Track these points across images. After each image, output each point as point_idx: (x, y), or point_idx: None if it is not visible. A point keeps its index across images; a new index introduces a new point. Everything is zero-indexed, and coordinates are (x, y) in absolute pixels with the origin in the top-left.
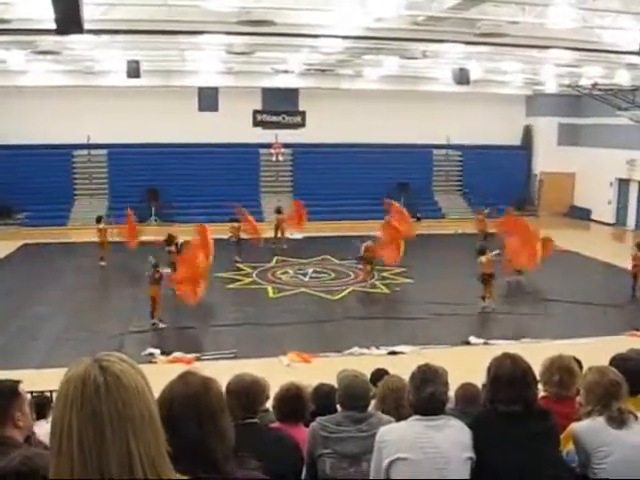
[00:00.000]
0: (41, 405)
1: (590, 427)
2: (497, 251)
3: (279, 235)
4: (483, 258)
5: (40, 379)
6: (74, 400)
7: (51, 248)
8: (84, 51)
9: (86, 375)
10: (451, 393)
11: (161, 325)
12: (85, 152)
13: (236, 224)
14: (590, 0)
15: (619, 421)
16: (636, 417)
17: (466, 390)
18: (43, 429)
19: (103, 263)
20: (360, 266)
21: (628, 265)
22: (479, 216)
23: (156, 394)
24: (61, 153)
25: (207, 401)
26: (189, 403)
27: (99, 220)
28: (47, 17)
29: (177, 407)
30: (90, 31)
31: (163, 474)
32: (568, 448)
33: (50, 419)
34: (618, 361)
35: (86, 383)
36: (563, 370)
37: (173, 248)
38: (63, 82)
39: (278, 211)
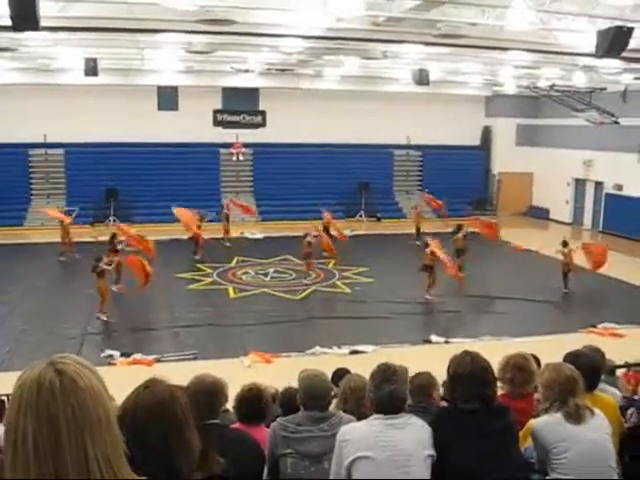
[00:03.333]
0: None
1: (548, 423)
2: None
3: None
4: (428, 250)
5: None
6: (29, 404)
7: (7, 249)
8: (41, 48)
9: (41, 378)
10: None
11: (103, 317)
12: (42, 151)
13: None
14: (548, 3)
15: (576, 417)
16: (592, 412)
17: (419, 380)
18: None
19: (77, 256)
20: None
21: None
22: (415, 211)
23: (115, 396)
24: (17, 152)
25: (172, 411)
26: (154, 413)
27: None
28: (2, 13)
29: (141, 416)
30: (46, 28)
31: (120, 475)
32: (527, 444)
33: (4, 423)
34: (571, 358)
35: (41, 386)
36: (515, 368)
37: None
38: (19, 80)
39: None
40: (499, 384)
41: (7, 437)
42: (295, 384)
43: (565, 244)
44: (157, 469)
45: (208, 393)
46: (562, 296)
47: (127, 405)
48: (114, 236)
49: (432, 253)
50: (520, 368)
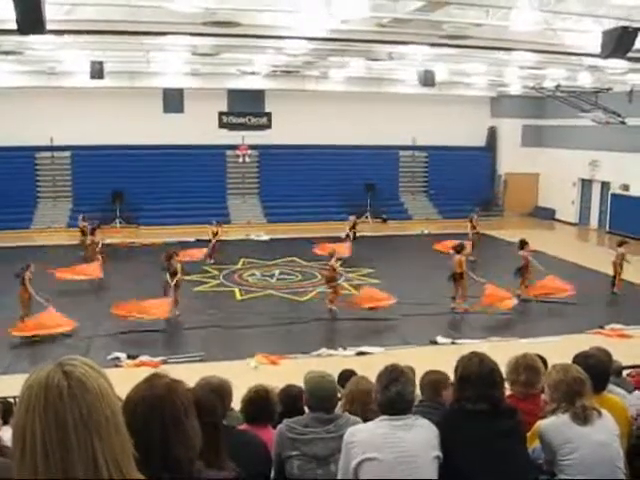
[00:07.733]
0: (6, 411)
1: (555, 424)
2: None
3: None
4: (457, 257)
5: (4, 384)
6: (37, 405)
7: (14, 251)
8: (47, 51)
9: (49, 380)
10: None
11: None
12: (48, 154)
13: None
14: (552, 3)
15: (583, 418)
16: (600, 413)
17: (433, 377)
18: (8, 434)
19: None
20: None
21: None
22: (472, 218)
23: (122, 398)
24: (24, 155)
25: (171, 404)
26: (153, 407)
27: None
28: (8, 17)
29: (141, 410)
30: (52, 31)
31: (129, 476)
32: (534, 445)
33: (12, 424)
34: (580, 359)
35: (49, 388)
36: (528, 369)
37: None
38: (25, 83)
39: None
40: (506, 385)
41: (15, 439)
42: (296, 383)
43: (621, 244)
44: (158, 462)
45: (214, 394)
46: (570, 297)
47: (127, 400)
48: None
49: (460, 261)
50: (532, 369)
